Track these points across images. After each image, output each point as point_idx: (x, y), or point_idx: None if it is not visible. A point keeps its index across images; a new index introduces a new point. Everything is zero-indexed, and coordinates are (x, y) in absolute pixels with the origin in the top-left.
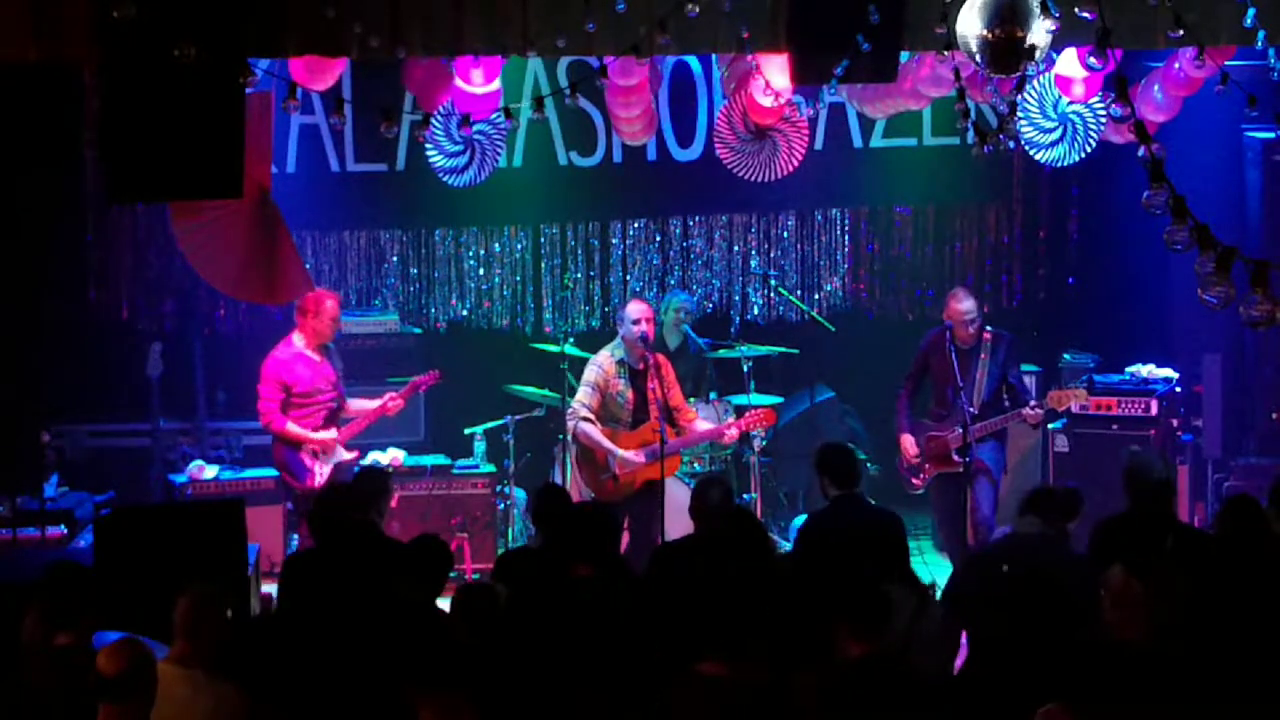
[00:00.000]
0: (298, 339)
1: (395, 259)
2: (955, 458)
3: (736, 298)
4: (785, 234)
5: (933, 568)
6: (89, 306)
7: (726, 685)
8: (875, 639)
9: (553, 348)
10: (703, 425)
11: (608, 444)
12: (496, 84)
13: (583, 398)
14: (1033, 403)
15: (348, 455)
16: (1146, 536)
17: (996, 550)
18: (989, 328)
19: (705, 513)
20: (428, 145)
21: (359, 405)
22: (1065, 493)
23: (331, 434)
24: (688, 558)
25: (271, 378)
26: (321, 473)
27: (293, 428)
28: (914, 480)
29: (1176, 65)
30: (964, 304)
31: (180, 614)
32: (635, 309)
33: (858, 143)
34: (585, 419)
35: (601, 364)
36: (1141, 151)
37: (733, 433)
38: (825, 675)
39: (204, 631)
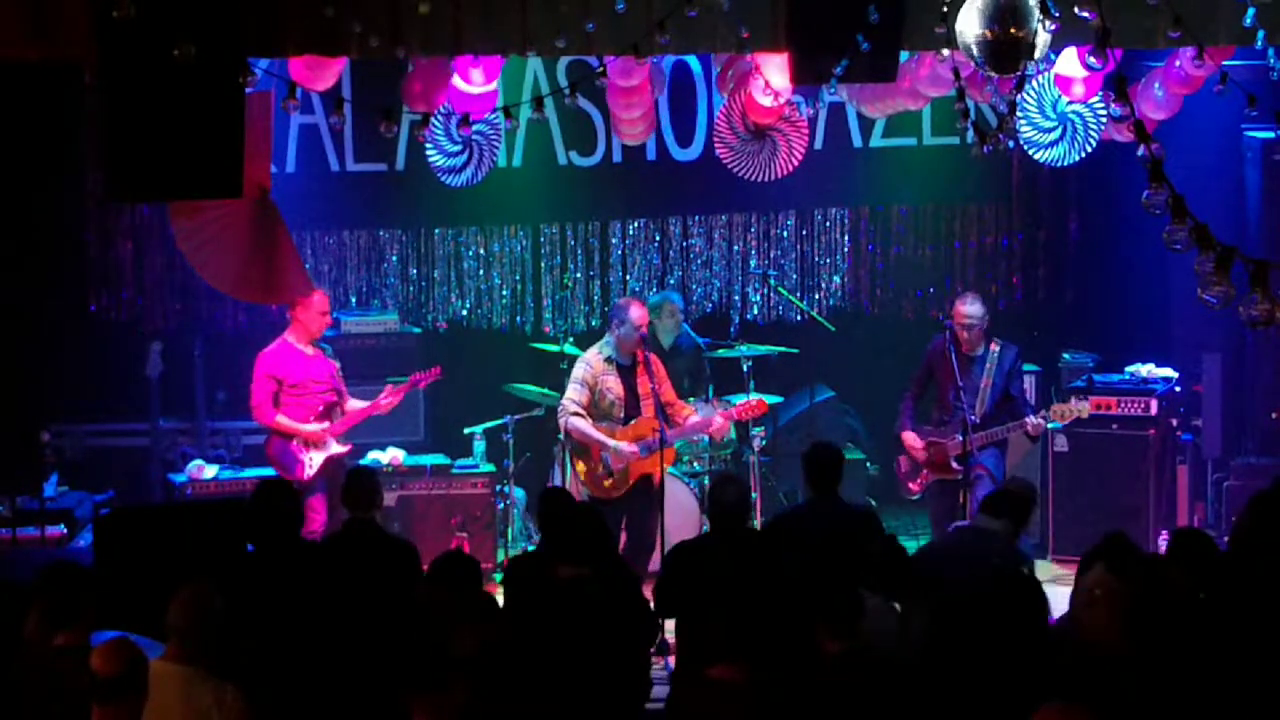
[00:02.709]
0: (290, 336)
1: (395, 259)
2: (954, 465)
3: (736, 297)
4: (785, 234)
5: None
6: (89, 306)
7: (737, 689)
8: (850, 636)
9: (553, 347)
10: (701, 418)
11: (599, 436)
12: (494, 84)
13: (572, 394)
14: (1033, 417)
15: (340, 449)
16: None
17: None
18: (997, 340)
19: (720, 512)
20: (427, 145)
21: (355, 405)
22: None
23: (323, 426)
24: (702, 557)
25: (262, 372)
26: (311, 464)
27: (282, 420)
28: (911, 485)
29: (1177, 63)
30: (967, 308)
31: (174, 612)
32: (638, 314)
33: (857, 142)
34: (575, 414)
35: (590, 361)
36: (1141, 151)
37: (720, 421)
38: (804, 672)
39: (198, 630)
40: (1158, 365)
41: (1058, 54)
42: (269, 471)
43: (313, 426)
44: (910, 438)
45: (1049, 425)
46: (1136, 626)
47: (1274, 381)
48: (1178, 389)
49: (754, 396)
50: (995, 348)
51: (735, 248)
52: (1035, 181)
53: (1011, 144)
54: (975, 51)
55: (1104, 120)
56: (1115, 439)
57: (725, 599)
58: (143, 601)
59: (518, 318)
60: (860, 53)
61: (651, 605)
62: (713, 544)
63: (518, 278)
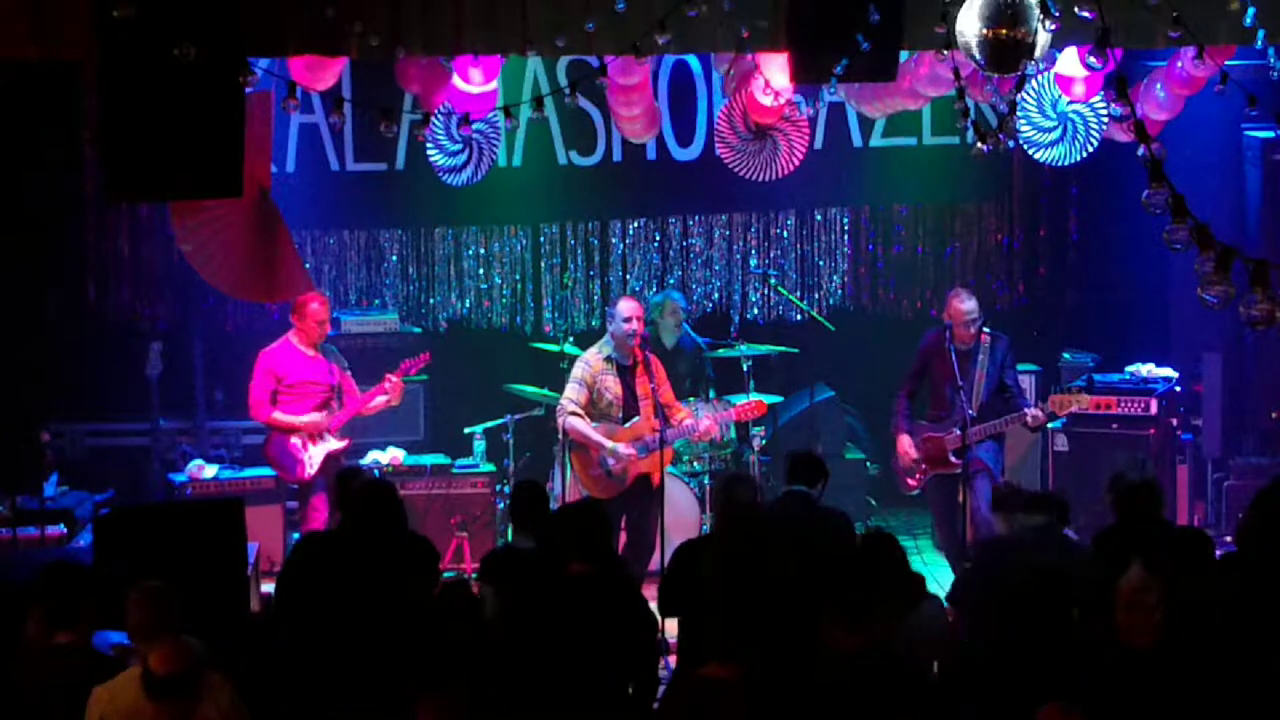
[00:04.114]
0: (293, 337)
1: (395, 258)
2: (952, 459)
3: (736, 297)
4: (785, 234)
5: (932, 567)
6: (89, 306)
7: (731, 688)
8: (866, 632)
9: (553, 347)
10: (693, 420)
11: (597, 437)
12: (494, 84)
13: (570, 394)
14: (1031, 408)
15: (338, 444)
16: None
17: (1003, 548)
18: (987, 329)
19: (731, 510)
20: (428, 144)
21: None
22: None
23: (319, 416)
24: (710, 555)
25: (262, 369)
26: (311, 462)
27: (279, 415)
28: (909, 480)
29: (1179, 64)
30: (965, 304)
31: (131, 613)
32: (626, 306)
33: (858, 142)
34: (573, 414)
35: (589, 361)
36: (1141, 151)
37: (706, 425)
38: (819, 669)
39: (158, 628)
40: (1158, 365)
41: (1058, 53)
42: (268, 472)
43: (311, 416)
44: (904, 442)
45: (1050, 424)
46: (1172, 623)
47: (1274, 381)
48: (1178, 389)
49: (753, 397)
50: (986, 339)
51: (735, 248)
52: (1035, 181)
53: (1011, 144)
54: (975, 51)
55: (1104, 120)
56: (1115, 438)
57: (721, 598)
58: None
59: (518, 318)
60: (860, 53)
61: (654, 604)
62: (718, 543)
63: (518, 277)
